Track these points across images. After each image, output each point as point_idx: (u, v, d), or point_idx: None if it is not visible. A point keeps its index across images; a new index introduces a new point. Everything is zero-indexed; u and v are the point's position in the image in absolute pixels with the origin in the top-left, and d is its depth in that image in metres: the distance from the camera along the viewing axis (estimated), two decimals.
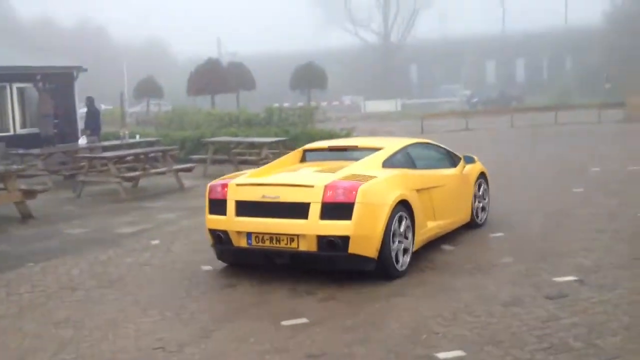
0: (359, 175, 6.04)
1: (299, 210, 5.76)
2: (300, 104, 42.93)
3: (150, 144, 15.62)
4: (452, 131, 26.01)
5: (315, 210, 5.70)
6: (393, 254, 5.86)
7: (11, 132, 16.60)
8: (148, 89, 42.93)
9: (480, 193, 8.04)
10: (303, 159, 7.43)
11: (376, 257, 5.74)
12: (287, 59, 56.39)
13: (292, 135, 15.97)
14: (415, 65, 73.35)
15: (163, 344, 4.58)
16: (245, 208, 6.07)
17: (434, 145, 7.91)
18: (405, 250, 6.06)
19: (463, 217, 7.58)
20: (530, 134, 22.91)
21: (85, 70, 17.74)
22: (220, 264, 6.63)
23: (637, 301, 5.03)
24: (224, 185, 6.31)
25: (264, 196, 5.97)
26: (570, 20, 59.48)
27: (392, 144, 7.11)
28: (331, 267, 5.94)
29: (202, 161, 14.62)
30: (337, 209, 5.68)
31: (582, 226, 7.74)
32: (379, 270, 5.81)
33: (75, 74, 17.56)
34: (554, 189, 10.61)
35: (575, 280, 5.60)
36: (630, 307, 4.91)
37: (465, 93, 56.69)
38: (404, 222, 6.03)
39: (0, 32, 36.65)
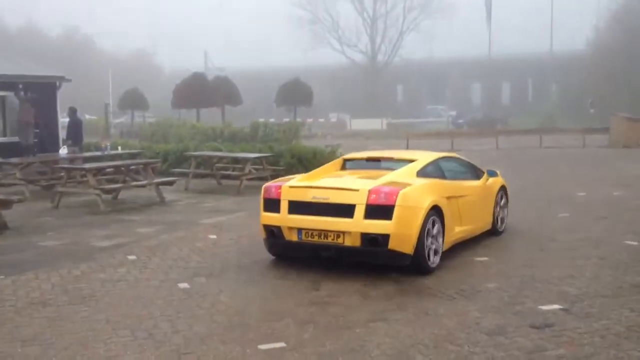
0: (397, 182, 6.88)
1: (345, 210, 6.57)
2: (286, 119, 42.89)
3: (132, 156, 15.39)
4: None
5: (360, 211, 6.50)
6: (426, 252, 6.62)
7: None
8: (133, 100, 42.62)
9: (502, 203, 8.93)
10: (343, 167, 8.35)
11: (412, 254, 6.50)
12: (274, 75, 56.45)
13: (277, 152, 15.81)
14: (402, 85, 73.84)
15: None
16: (297, 207, 6.89)
17: (461, 159, 8.86)
18: (436, 251, 6.84)
19: (485, 224, 8.41)
20: (515, 157, 22.96)
21: (69, 80, 17.49)
22: (199, 282, 6.46)
23: (623, 333, 4.91)
24: (278, 187, 7.15)
25: (314, 197, 6.80)
26: (555, 46, 60.17)
27: (424, 157, 7.94)
28: (372, 261, 6.75)
29: (184, 175, 14.42)
30: (379, 211, 6.47)
31: (567, 252, 7.64)
32: (414, 265, 6.60)
33: (58, 83, 17.30)
34: (540, 213, 10.53)
35: (560, 309, 5.48)
36: (616, 338, 4.79)
37: (451, 114, 57.02)
38: (436, 225, 6.83)
39: None
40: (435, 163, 7.81)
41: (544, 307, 5.53)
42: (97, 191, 11.18)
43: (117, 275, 6.81)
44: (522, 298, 5.83)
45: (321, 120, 58.49)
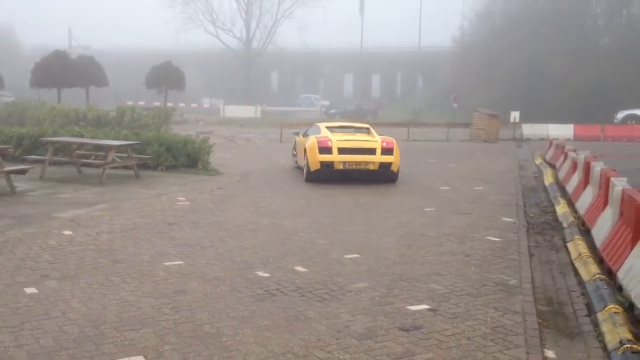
0: (385, 137, 13.79)
1: (370, 151, 13.23)
2: (156, 103, 41.38)
3: None
4: None
5: (378, 151, 13.22)
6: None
7: None
8: None
9: None
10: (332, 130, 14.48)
11: (397, 172, 13.48)
12: (144, 57, 54.26)
13: (144, 139, 15.04)
14: (276, 73, 73.78)
15: None
16: (342, 151, 13.17)
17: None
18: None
19: None
20: None
21: None
22: (49, 285, 5.86)
23: (489, 334, 4.97)
24: (329, 140, 13.34)
25: (352, 145, 13.30)
26: (423, 42, 62.61)
27: (368, 125, 15.54)
28: (383, 177, 13.43)
29: (40, 162, 13.32)
30: (387, 151, 13.28)
31: (434, 248, 7.77)
32: (395, 178, 13.49)
33: None
34: (407, 208, 10.70)
35: (428, 309, 5.48)
36: (483, 340, 4.84)
37: (324, 104, 57.71)
38: None
39: None
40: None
41: (413, 308, 5.52)
42: None
43: None
44: (392, 298, 5.79)
45: (194, 105, 57.13)
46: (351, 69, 68.75)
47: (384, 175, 13.38)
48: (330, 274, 6.51)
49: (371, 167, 13.18)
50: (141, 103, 45.45)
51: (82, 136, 15.57)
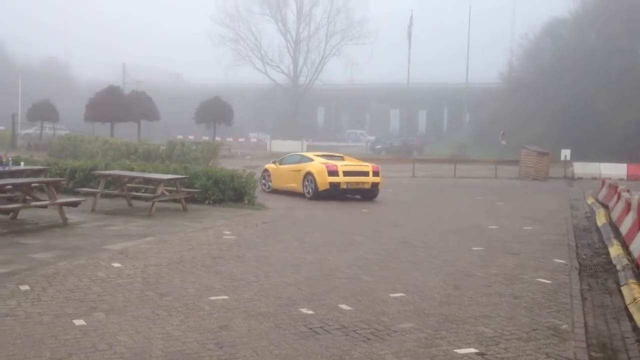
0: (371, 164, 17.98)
1: (365, 173, 17.00)
2: (205, 138, 42.14)
3: (35, 172, 14.45)
4: None
5: (370, 174, 17.02)
6: None
7: None
8: (43, 111, 40.72)
9: None
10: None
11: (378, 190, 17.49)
12: (194, 92, 55.60)
13: (192, 173, 15.28)
14: (322, 108, 74.44)
15: None
16: (346, 173, 16.79)
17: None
18: None
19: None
20: (430, 186, 23.35)
21: None
22: (97, 317, 5.93)
23: None
24: (335, 165, 16.83)
25: (352, 169, 17.07)
26: (471, 78, 62.35)
27: (340, 154, 19.66)
28: (371, 195, 17.26)
29: (92, 194, 13.64)
30: (376, 173, 17.12)
31: (482, 289, 7.60)
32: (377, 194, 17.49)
33: None
34: (454, 246, 10.54)
35: (477, 354, 5.34)
36: None
37: (370, 139, 57.79)
38: None
39: None
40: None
41: (460, 351, 5.38)
42: None
43: (6, 309, 6.18)
44: (439, 340, 5.66)
45: (241, 140, 58.00)
46: (397, 105, 68.83)
47: (372, 193, 17.29)
48: (375, 313, 6.42)
49: (366, 186, 17.10)
50: (190, 137, 46.41)
51: (132, 170, 15.91)
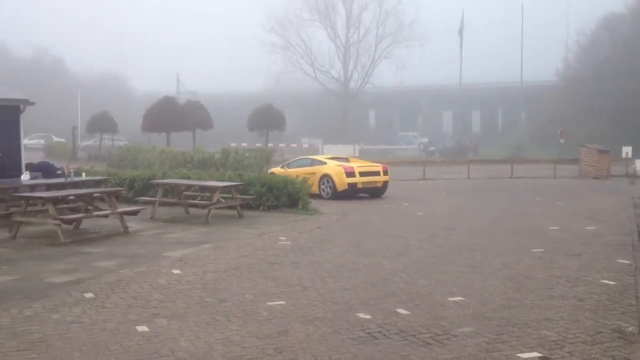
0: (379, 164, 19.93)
1: (377, 173, 18.56)
2: (258, 144, 42.61)
3: (96, 183, 14.89)
4: (409, 180, 25.92)
5: (381, 173, 18.57)
6: None
7: None
8: (102, 123, 41.96)
9: None
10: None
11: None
12: (246, 99, 56.27)
13: (246, 180, 15.46)
14: (374, 111, 74.17)
15: None
16: (362, 174, 18.13)
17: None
18: None
19: None
20: (487, 187, 22.96)
21: (33, 103, 16.93)
22: (159, 324, 6.06)
23: None
24: (352, 167, 18.23)
25: (366, 170, 18.49)
26: (525, 76, 61.09)
27: (346, 156, 21.87)
28: (381, 192, 18.66)
29: (151, 203, 13.97)
30: (385, 172, 18.66)
31: (544, 292, 7.41)
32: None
33: (21, 107, 16.75)
34: (512, 248, 10.33)
35: (540, 358, 5.21)
36: None
37: (423, 141, 57.24)
38: None
39: None
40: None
41: (523, 355, 5.26)
42: (57, 221, 10.68)
43: (72, 316, 6.38)
44: (500, 344, 5.55)
45: (293, 145, 58.30)
46: (450, 106, 68.00)
47: (382, 190, 18.70)
48: (433, 317, 6.35)
49: (378, 184, 18.54)
50: (244, 144, 46.94)
51: (189, 178, 16.21)
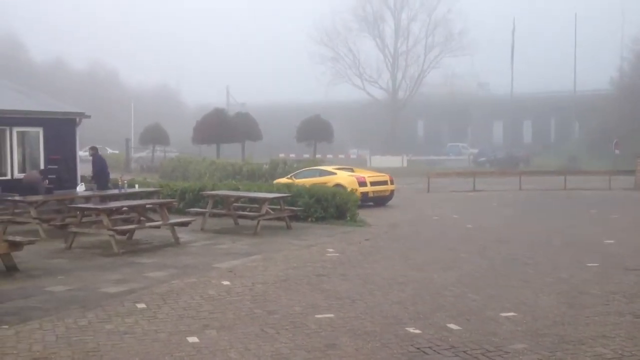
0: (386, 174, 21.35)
1: (384, 182, 19.81)
2: (306, 155, 42.80)
3: (148, 194, 15.21)
4: (459, 191, 25.61)
5: (388, 182, 19.90)
6: None
7: (8, 177, 16.24)
8: (154, 135, 42.88)
9: None
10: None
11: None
12: (295, 111, 56.63)
13: (295, 191, 15.53)
14: (422, 122, 73.63)
15: None
16: (372, 183, 19.25)
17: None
18: None
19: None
20: (539, 199, 22.48)
21: (89, 116, 17.50)
22: (209, 335, 6.13)
23: None
24: (364, 178, 19.24)
25: (376, 180, 19.66)
26: (579, 85, 59.69)
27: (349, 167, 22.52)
28: (389, 200, 19.91)
29: (201, 214, 14.18)
30: (392, 181, 20.10)
31: (599, 308, 7.20)
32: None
33: (77, 119, 17.31)
34: (566, 262, 10.07)
35: None
36: None
37: (473, 152, 56.44)
38: None
39: (8, 74, 36.86)
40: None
41: None
42: (111, 232, 10.95)
43: (125, 327, 6.51)
44: None
45: (341, 156, 58.36)
46: (501, 116, 66.96)
47: (388, 199, 19.91)
48: (485, 333, 6.24)
49: (386, 193, 19.74)
50: (292, 155, 47.27)
51: (238, 189, 16.39)
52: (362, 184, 18.83)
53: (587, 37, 60.97)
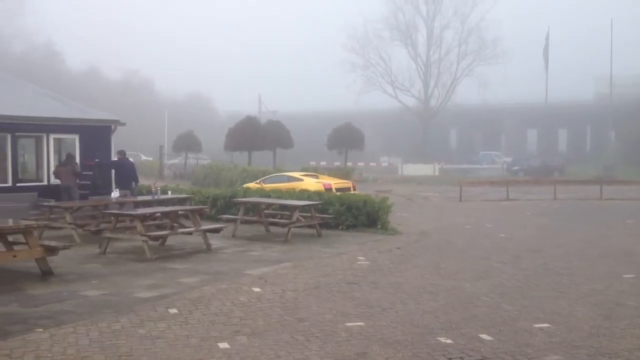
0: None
1: (349, 189, 19.63)
2: (337, 163, 42.79)
3: (181, 200, 15.37)
4: (491, 200, 25.34)
5: (351, 189, 19.87)
6: None
7: (45, 182, 16.57)
8: (187, 142, 43.30)
9: None
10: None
11: None
12: (326, 118, 56.70)
13: (326, 199, 15.54)
14: (455, 130, 73.09)
15: None
16: (337, 189, 18.69)
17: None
18: None
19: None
20: (575, 209, 22.11)
21: (124, 124, 17.77)
22: (239, 341, 6.15)
23: None
24: (330, 184, 19.53)
25: (341, 186, 19.76)
26: (616, 92, 58.58)
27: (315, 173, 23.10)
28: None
29: (233, 221, 14.27)
30: (354, 188, 20.23)
31: (635, 320, 7.04)
32: None
33: (112, 127, 17.60)
34: (602, 273, 9.88)
35: None
36: None
37: (506, 160, 55.80)
38: None
39: (46, 82, 37.68)
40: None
41: None
42: (144, 237, 11.08)
43: (157, 331, 6.57)
44: None
45: (372, 164, 58.25)
46: (535, 124, 66.08)
47: None
48: (518, 344, 6.14)
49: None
50: (323, 163, 47.30)
51: (269, 197, 16.46)
52: (328, 190, 19.09)
53: (623, 43, 59.89)
